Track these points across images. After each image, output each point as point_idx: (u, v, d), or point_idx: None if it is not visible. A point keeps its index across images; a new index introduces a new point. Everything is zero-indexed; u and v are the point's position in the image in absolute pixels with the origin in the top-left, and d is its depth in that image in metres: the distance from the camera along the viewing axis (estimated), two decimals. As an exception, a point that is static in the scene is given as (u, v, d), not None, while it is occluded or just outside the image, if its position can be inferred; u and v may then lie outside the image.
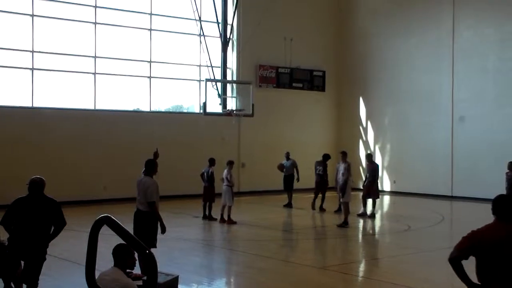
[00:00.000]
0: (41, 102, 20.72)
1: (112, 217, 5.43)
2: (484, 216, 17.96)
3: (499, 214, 5.01)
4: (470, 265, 5.04)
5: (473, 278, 5.05)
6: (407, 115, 25.54)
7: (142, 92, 23.24)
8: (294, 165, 20.74)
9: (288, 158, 21.08)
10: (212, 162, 17.55)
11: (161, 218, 9.45)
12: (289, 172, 20.70)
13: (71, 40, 21.64)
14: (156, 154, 10.06)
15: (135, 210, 9.66)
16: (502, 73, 22.47)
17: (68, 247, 12.25)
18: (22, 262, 7.65)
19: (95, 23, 21.92)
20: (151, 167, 9.63)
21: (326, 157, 19.82)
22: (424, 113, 24.85)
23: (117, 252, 5.63)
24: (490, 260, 4.85)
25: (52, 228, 7.57)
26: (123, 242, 5.59)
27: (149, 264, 5.40)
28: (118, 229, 5.44)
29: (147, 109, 23.33)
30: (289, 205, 20.41)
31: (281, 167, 20.87)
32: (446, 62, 24.05)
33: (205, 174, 17.58)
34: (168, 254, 11.18)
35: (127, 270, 5.69)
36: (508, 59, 22.35)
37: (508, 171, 17.56)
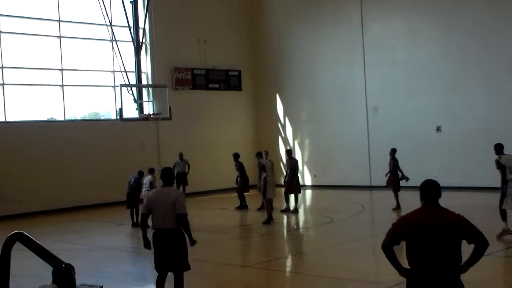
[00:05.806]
0: None
1: (24, 232, 5.22)
2: (402, 203, 18.32)
3: (426, 199, 5.16)
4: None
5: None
6: (323, 108, 25.94)
7: (56, 101, 22.58)
8: (186, 163, 22.51)
9: (181, 158, 22.43)
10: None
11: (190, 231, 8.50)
12: (182, 170, 22.29)
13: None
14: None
15: (155, 231, 8.16)
16: (411, 64, 23.16)
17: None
18: None
19: None
20: (171, 175, 8.47)
21: (236, 156, 20.23)
22: (340, 105, 25.32)
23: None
24: (418, 244, 4.98)
25: None
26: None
27: (67, 279, 5.23)
28: (31, 244, 5.24)
29: (62, 118, 22.69)
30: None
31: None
32: (357, 55, 24.60)
33: (133, 181, 17.29)
34: (93, 263, 10.91)
35: None
36: (416, 50, 23.07)
37: (391, 156, 17.94)
